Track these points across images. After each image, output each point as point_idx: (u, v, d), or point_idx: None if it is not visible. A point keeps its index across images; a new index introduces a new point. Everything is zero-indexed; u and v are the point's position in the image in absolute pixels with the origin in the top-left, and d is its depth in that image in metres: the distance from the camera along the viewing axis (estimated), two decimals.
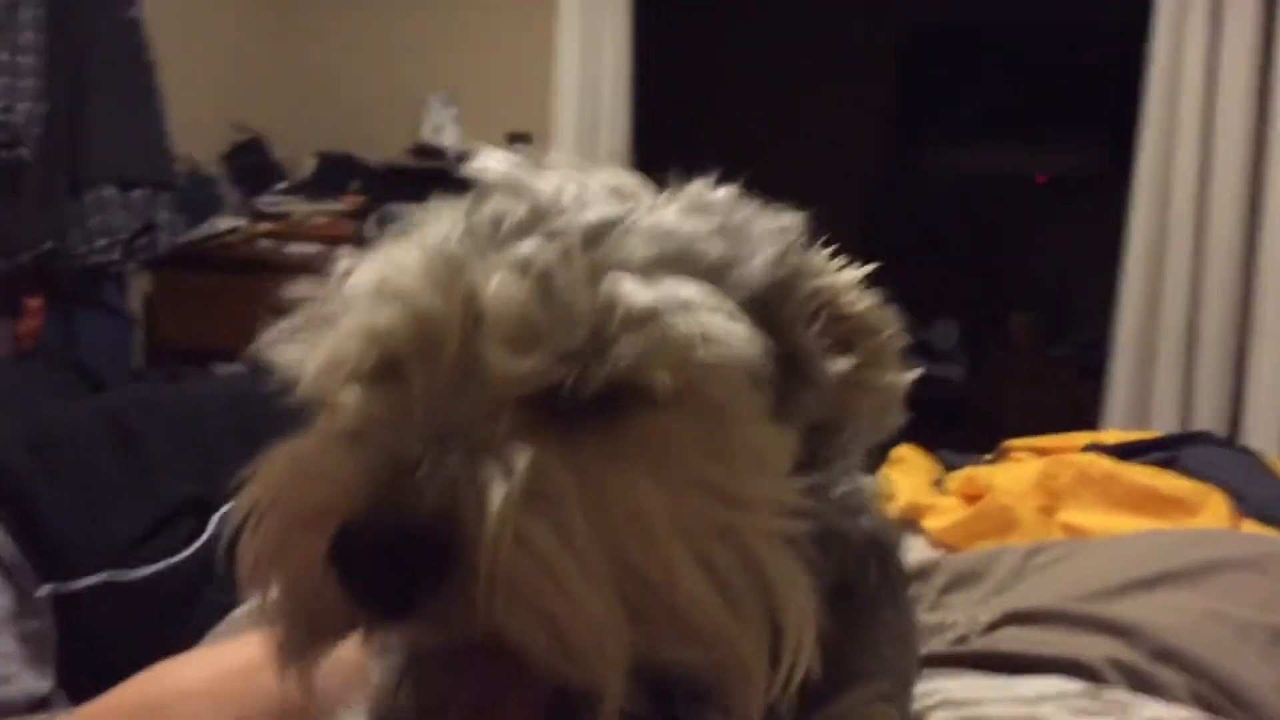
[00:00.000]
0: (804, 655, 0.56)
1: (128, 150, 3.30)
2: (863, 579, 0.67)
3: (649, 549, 0.54)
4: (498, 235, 0.58)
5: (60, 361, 2.46)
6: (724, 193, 0.65)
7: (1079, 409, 4.77)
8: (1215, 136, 3.42)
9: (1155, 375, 3.45)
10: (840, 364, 0.63)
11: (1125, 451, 2.11)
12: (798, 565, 0.57)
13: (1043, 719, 0.88)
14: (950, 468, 2.29)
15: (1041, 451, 2.20)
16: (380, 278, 0.59)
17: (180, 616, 1.73)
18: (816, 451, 0.64)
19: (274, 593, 0.56)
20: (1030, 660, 1.07)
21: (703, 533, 0.55)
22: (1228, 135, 3.40)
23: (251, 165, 4.04)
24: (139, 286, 3.56)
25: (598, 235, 0.57)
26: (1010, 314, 6.20)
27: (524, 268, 0.55)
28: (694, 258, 0.59)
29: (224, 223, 3.78)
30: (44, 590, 1.52)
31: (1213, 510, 1.81)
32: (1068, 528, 1.85)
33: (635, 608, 0.53)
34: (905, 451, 2.44)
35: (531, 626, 0.51)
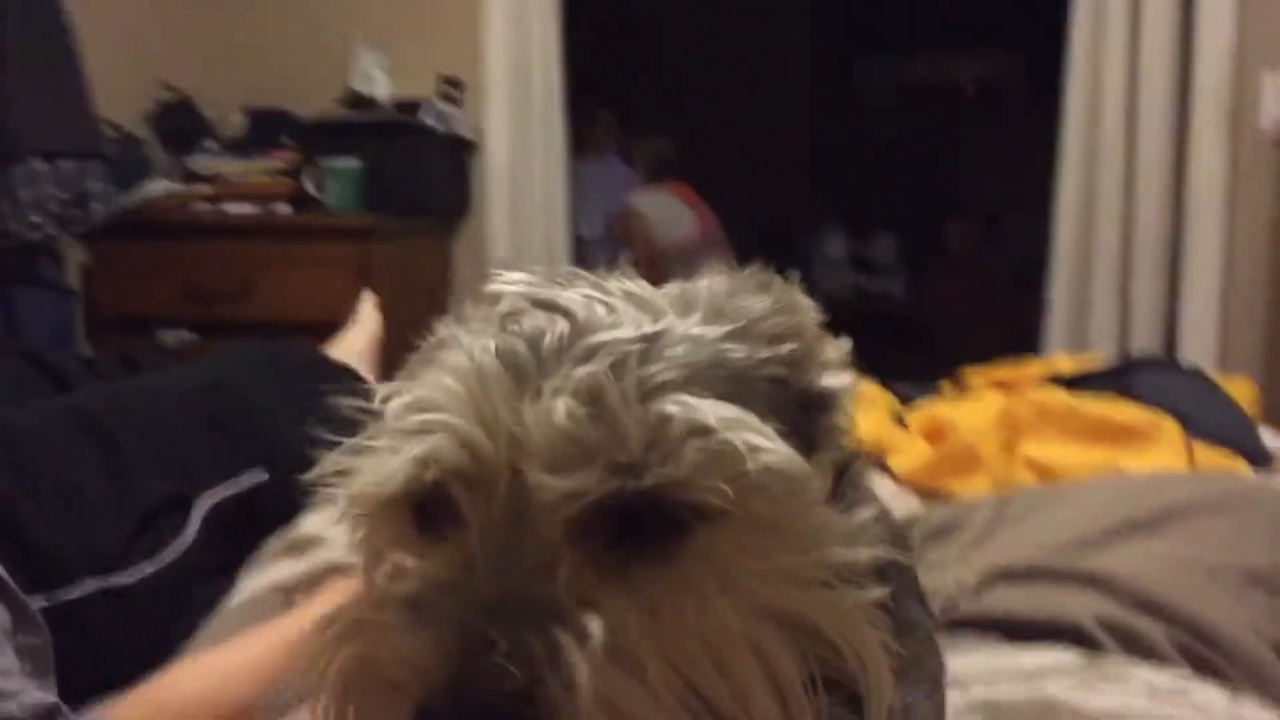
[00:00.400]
0: (884, 707, 0.59)
1: (52, 120, 3.22)
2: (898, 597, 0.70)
3: (723, 673, 0.56)
4: (540, 355, 0.59)
5: (14, 352, 2.41)
6: (736, 284, 0.67)
7: (1017, 320, 4.88)
8: (1142, 48, 3.46)
9: (1092, 295, 3.52)
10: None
11: (1080, 381, 2.18)
12: (871, 625, 0.60)
13: (1050, 697, 0.93)
14: (907, 400, 2.34)
15: (1000, 384, 2.26)
16: (426, 409, 0.59)
17: (171, 615, 1.74)
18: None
19: None
20: (1024, 623, 1.12)
21: (773, 639, 0.57)
22: (1155, 45, 3.44)
23: (179, 126, 3.93)
24: (75, 259, 3.49)
25: (640, 352, 0.58)
26: (946, 224, 6.28)
27: (577, 391, 0.56)
28: (725, 367, 0.60)
29: (157, 187, 3.70)
30: (36, 603, 1.52)
31: (1167, 437, 1.88)
32: (1030, 462, 1.91)
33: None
34: (864, 388, 2.49)
35: None
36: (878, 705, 0.58)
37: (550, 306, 0.61)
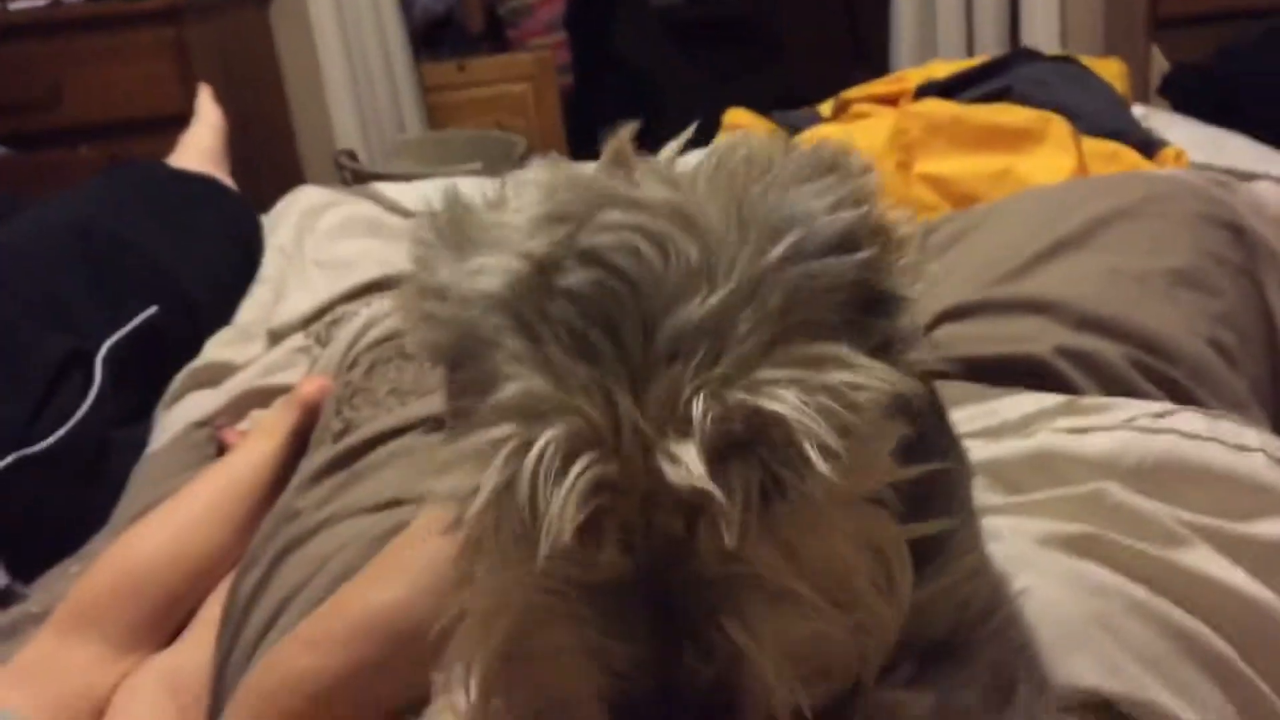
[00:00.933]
0: (907, 597, 0.63)
1: None
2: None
3: (845, 578, 0.60)
4: (624, 349, 0.55)
5: None
6: (792, 168, 0.62)
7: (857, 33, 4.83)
8: None
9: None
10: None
11: (958, 84, 2.19)
12: (900, 535, 0.63)
13: (1046, 448, 0.97)
14: (784, 127, 2.32)
15: (880, 99, 2.25)
16: (531, 417, 0.56)
17: (97, 468, 1.70)
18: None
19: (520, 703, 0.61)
20: (986, 362, 1.16)
21: (863, 544, 0.61)
22: None
23: None
24: None
25: (716, 331, 0.55)
26: None
27: (700, 422, 0.54)
28: (800, 299, 0.58)
29: None
30: None
31: (1055, 136, 1.91)
32: (927, 178, 1.93)
33: (847, 625, 0.60)
34: (741, 117, 2.46)
35: (808, 694, 0.57)
36: (904, 594, 0.62)
37: (597, 261, 0.56)
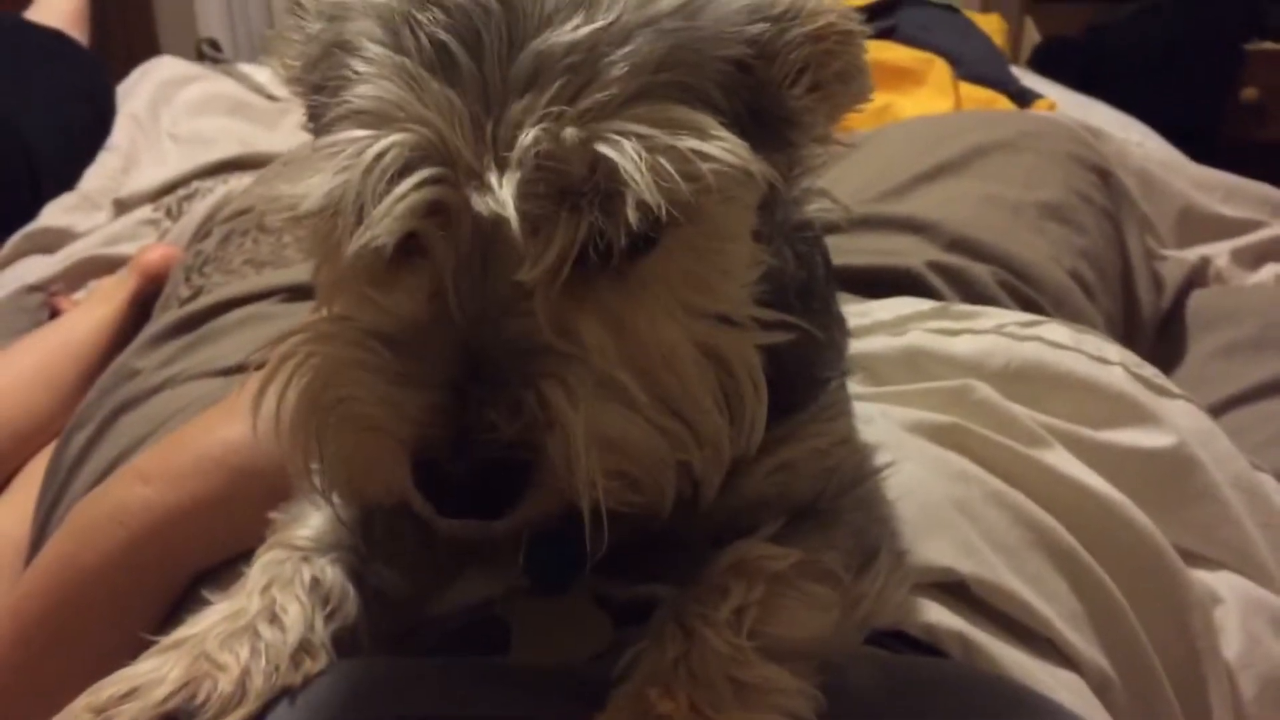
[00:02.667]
0: (760, 428, 0.62)
1: None
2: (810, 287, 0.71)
3: (679, 379, 0.57)
4: (482, 66, 0.53)
5: None
6: None
7: None
8: None
9: None
10: (820, 115, 0.63)
11: None
12: (757, 364, 0.61)
13: (917, 345, 0.98)
14: None
15: None
16: (369, 124, 0.54)
17: None
18: (777, 199, 0.65)
19: (334, 468, 0.58)
20: (861, 272, 1.16)
21: (707, 353, 0.59)
22: None
23: None
24: None
25: (585, 63, 0.53)
26: None
27: (523, 155, 0.52)
28: (677, 59, 0.55)
29: None
30: None
31: (935, 78, 1.94)
32: None
33: (670, 430, 0.57)
34: None
35: (609, 492, 0.55)
36: (754, 422, 0.61)
37: None
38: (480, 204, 0.52)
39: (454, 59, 0.53)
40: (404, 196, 0.52)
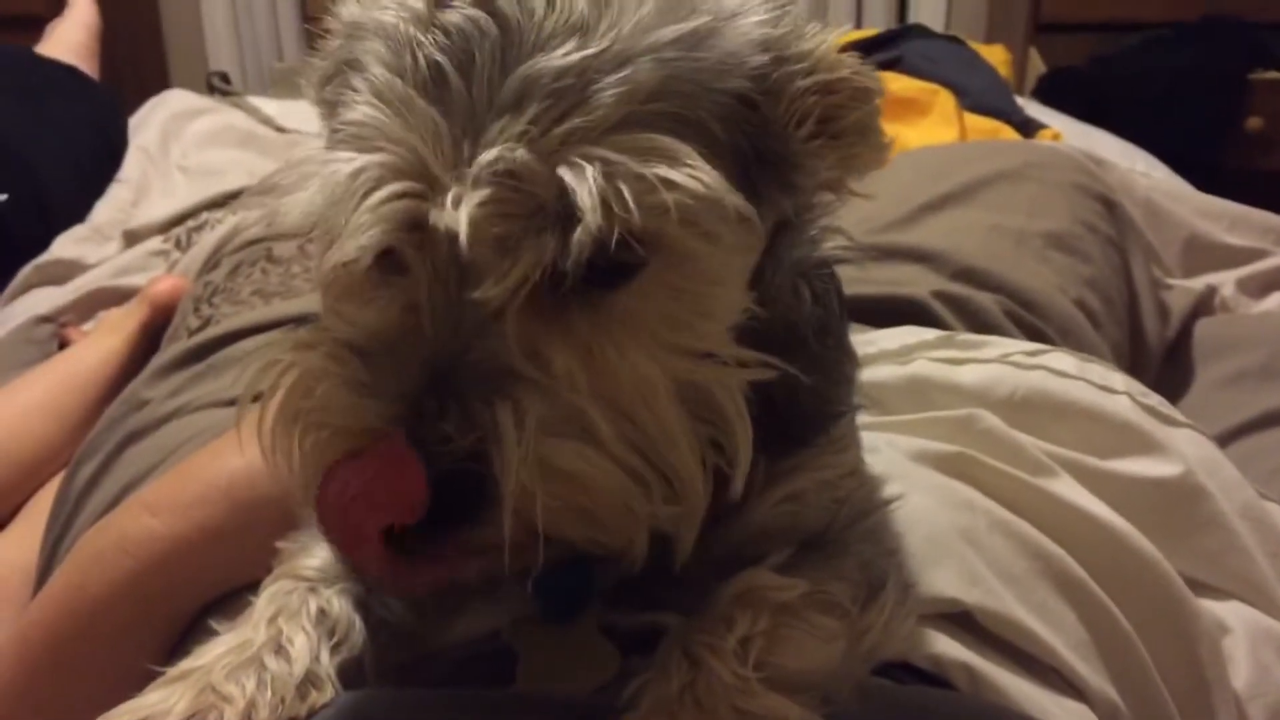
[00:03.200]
0: (744, 474, 0.60)
1: None
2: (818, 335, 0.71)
3: (652, 416, 0.57)
4: (471, 89, 0.53)
5: None
6: None
7: None
8: None
9: None
10: (828, 162, 0.63)
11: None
12: (743, 403, 0.60)
13: (922, 375, 0.98)
14: None
15: None
16: (357, 144, 0.55)
17: None
18: (789, 239, 0.66)
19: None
20: (866, 301, 1.17)
21: (686, 391, 0.58)
22: None
23: None
24: None
25: (572, 88, 0.53)
26: None
27: (480, 173, 0.52)
28: (671, 89, 0.55)
29: None
30: None
31: (941, 107, 1.95)
32: None
33: (637, 472, 0.56)
34: None
35: (568, 526, 0.55)
36: (743, 462, 0.60)
37: (484, 1, 0.54)
38: (437, 218, 0.52)
39: (445, 80, 0.54)
40: (375, 208, 0.53)
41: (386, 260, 0.56)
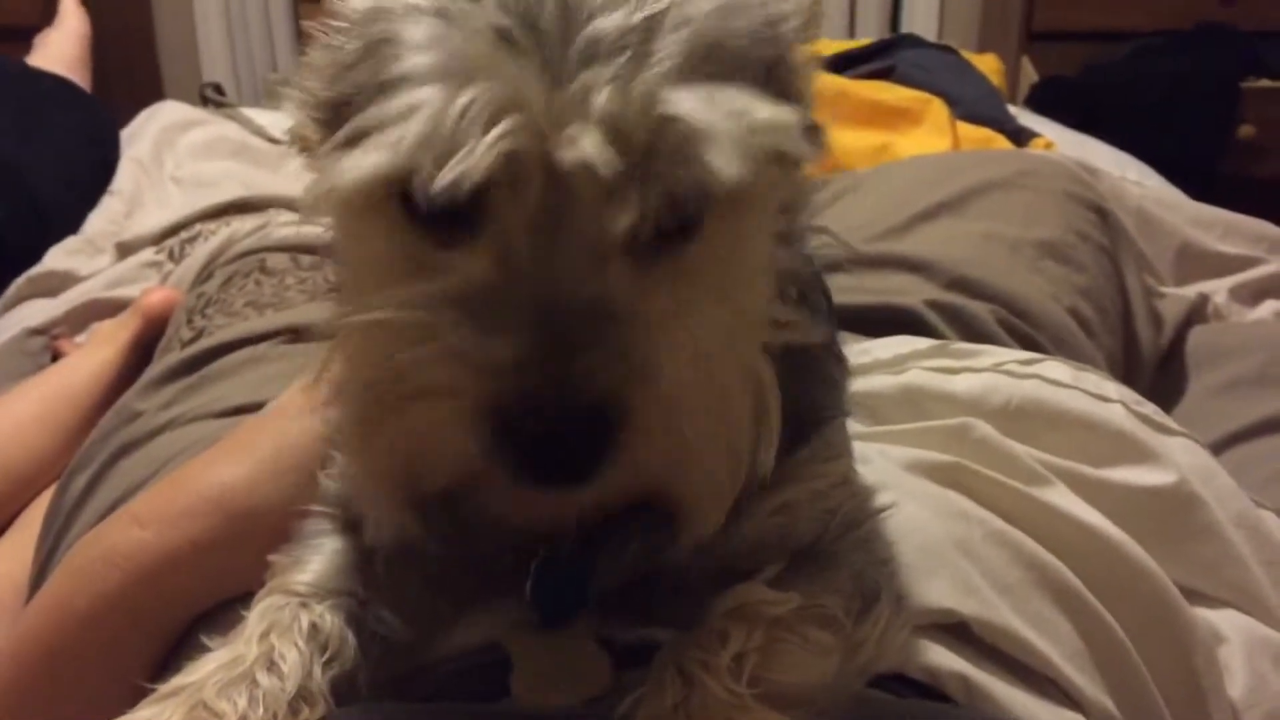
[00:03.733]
0: (774, 442, 0.60)
1: None
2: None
3: (724, 366, 0.56)
4: (542, 41, 0.52)
5: None
6: None
7: None
8: None
9: None
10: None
11: (843, 62, 2.21)
12: (775, 383, 0.60)
13: (916, 384, 0.98)
14: None
15: None
16: (420, 81, 0.52)
17: None
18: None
19: (388, 458, 0.55)
20: (860, 310, 1.17)
21: (747, 349, 0.58)
22: None
23: None
24: None
25: (640, 43, 0.52)
26: None
27: (601, 114, 0.51)
28: (722, 51, 0.55)
29: None
30: None
31: (933, 117, 1.95)
32: None
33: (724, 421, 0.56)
34: None
35: (688, 476, 0.54)
36: (774, 431, 0.60)
37: None
38: (567, 153, 0.50)
39: (514, 40, 0.52)
40: (494, 142, 0.50)
41: (448, 224, 0.55)
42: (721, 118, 0.52)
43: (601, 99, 0.51)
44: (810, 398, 0.70)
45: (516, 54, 0.52)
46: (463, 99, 0.50)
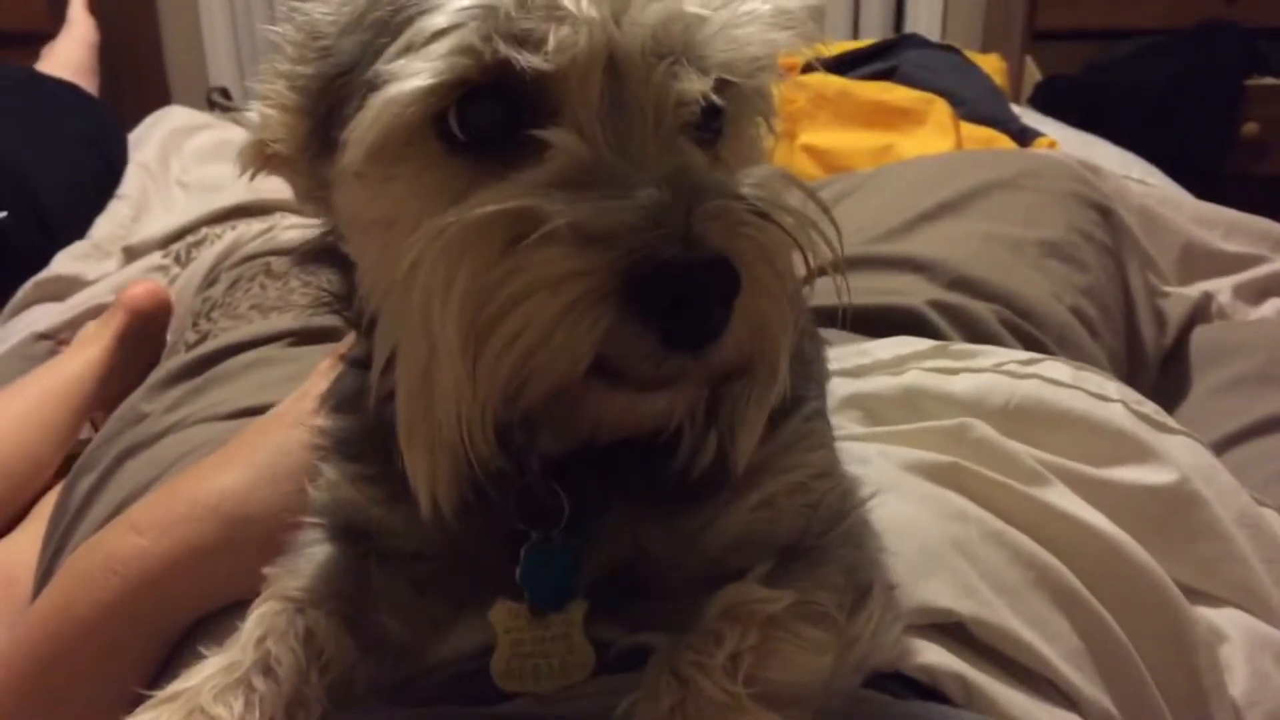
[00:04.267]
0: (784, 374, 0.60)
1: None
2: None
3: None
4: None
5: None
6: None
7: None
8: None
9: None
10: None
11: (846, 63, 2.21)
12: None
13: (915, 385, 0.98)
14: None
15: None
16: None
17: None
18: None
19: (495, 369, 0.53)
20: (865, 310, 1.17)
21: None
22: None
23: None
24: None
25: None
26: None
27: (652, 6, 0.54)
28: None
29: None
30: None
31: (936, 117, 1.95)
32: (810, 149, 1.95)
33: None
34: None
35: (777, 336, 0.56)
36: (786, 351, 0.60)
37: None
38: (633, 35, 0.53)
39: None
40: (578, 25, 0.53)
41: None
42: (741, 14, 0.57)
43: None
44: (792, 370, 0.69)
45: None
46: None
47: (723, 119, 0.60)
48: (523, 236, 0.51)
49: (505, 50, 0.53)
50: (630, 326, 0.51)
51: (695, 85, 0.55)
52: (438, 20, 0.54)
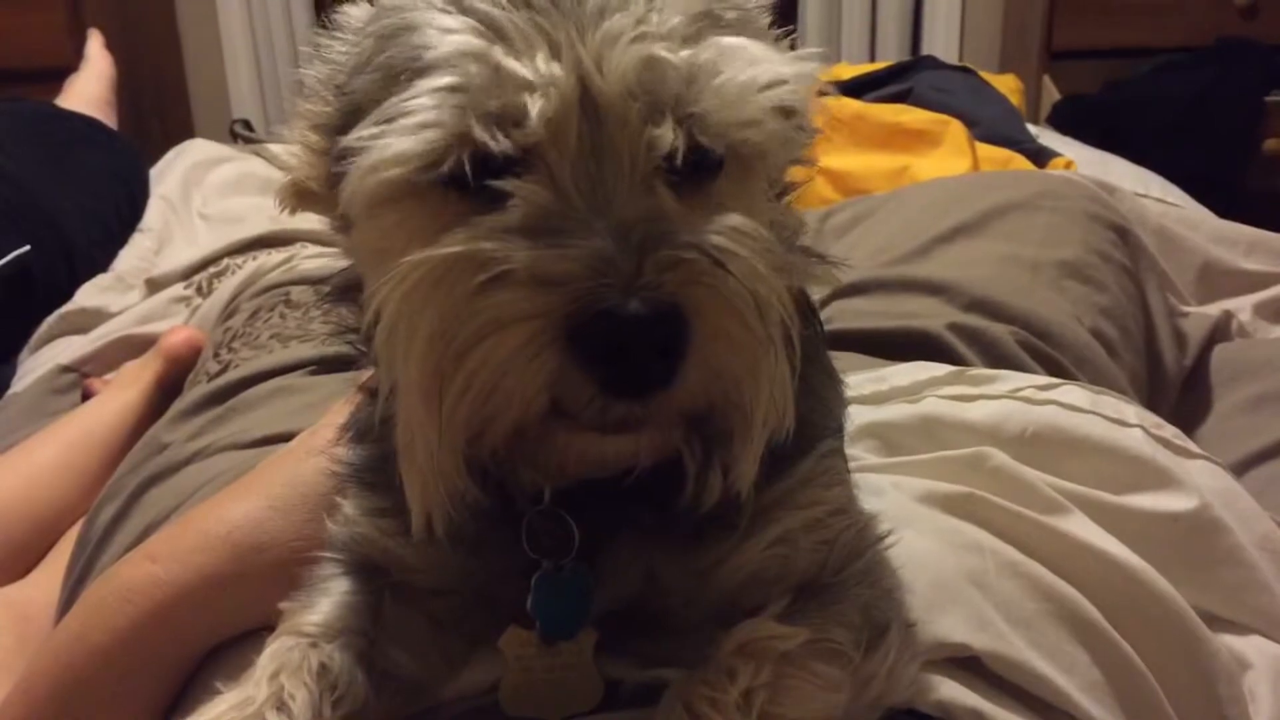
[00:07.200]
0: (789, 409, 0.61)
1: None
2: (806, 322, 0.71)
3: (770, 292, 0.57)
4: (561, 8, 0.56)
5: None
6: None
7: None
8: None
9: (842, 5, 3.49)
10: None
11: (861, 86, 2.22)
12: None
13: (933, 413, 0.98)
14: None
15: None
16: (444, 67, 0.55)
17: None
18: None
19: (459, 405, 0.55)
20: (882, 334, 1.17)
21: (776, 281, 0.59)
22: None
23: None
24: None
25: (639, 6, 0.56)
26: None
27: (639, 37, 0.55)
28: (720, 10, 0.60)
29: None
30: None
31: (952, 139, 1.95)
32: (826, 172, 1.95)
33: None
34: None
35: (751, 381, 0.56)
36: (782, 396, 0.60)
37: None
38: (609, 85, 0.54)
39: (533, 3, 0.56)
40: (548, 84, 0.54)
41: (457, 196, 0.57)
42: (732, 62, 0.56)
43: (627, 40, 0.55)
44: (803, 414, 0.69)
45: (539, 13, 0.56)
46: (502, 54, 0.55)
47: (712, 163, 0.59)
48: (487, 281, 0.53)
49: (480, 134, 0.55)
50: (573, 373, 0.52)
51: (668, 130, 0.55)
52: (418, 100, 0.55)
